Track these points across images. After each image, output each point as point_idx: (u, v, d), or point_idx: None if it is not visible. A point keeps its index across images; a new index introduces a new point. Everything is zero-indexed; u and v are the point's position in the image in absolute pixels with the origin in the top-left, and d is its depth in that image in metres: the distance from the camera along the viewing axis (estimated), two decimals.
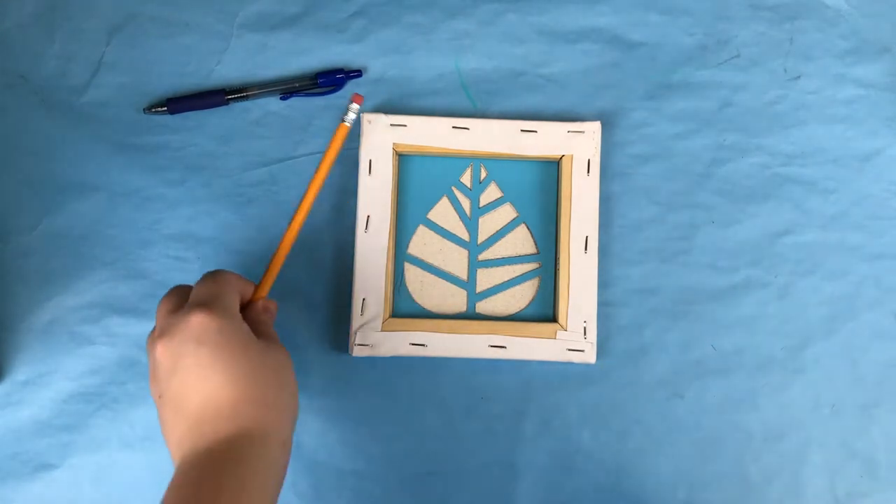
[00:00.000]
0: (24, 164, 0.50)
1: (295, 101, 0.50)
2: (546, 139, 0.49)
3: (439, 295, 0.50)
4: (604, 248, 0.50)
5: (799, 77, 0.52)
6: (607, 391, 0.49)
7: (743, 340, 0.50)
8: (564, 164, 0.49)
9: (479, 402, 0.49)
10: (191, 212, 0.50)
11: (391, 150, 0.49)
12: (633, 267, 0.50)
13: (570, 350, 0.48)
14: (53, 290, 0.49)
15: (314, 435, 0.49)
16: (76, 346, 0.49)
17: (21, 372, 0.49)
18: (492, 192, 0.51)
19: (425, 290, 0.50)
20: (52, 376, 0.49)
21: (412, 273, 0.50)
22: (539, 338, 0.48)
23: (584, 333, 0.48)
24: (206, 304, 0.38)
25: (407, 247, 0.50)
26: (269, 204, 0.50)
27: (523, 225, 0.50)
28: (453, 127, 0.49)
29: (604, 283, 0.50)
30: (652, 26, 0.52)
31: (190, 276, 0.49)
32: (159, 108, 0.50)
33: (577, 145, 0.49)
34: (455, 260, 0.50)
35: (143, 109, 0.50)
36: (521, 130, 0.49)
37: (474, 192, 0.51)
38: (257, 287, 0.44)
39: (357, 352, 0.48)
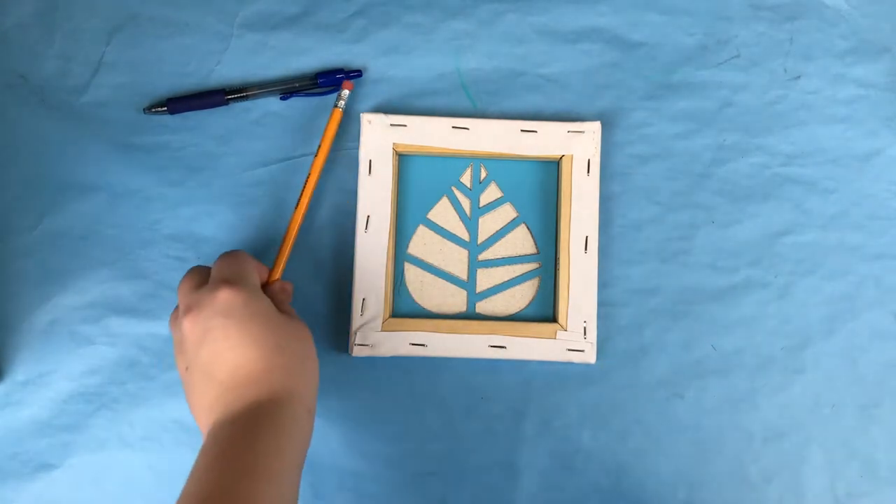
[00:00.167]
0: (24, 164, 0.50)
1: (295, 101, 0.50)
2: (546, 139, 0.49)
3: (439, 295, 0.50)
4: (604, 248, 0.50)
5: (799, 77, 0.52)
6: (607, 391, 0.49)
7: (743, 340, 0.50)
8: (564, 164, 0.49)
9: (479, 402, 0.49)
10: (191, 212, 0.50)
11: (391, 150, 0.49)
12: (633, 267, 0.50)
13: (570, 350, 0.48)
14: (53, 290, 0.49)
15: (314, 435, 0.48)
16: (76, 346, 0.49)
17: (21, 372, 0.49)
18: (492, 192, 0.51)
19: (425, 290, 0.50)
20: (52, 376, 0.49)
21: (412, 273, 0.50)
22: (539, 338, 0.48)
23: (584, 333, 0.48)
24: (231, 281, 0.41)
25: (407, 247, 0.50)
26: (269, 204, 0.50)
27: (523, 225, 0.50)
28: (453, 127, 0.49)
29: (604, 283, 0.50)
30: (652, 26, 0.52)
31: None
32: (159, 109, 0.50)
33: (577, 145, 0.49)
34: (455, 260, 0.50)
35: (144, 109, 0.50)
36: (521, 130, 0.49)
37: (474, 192, 0.51)
38: (271, 271, 0.46)
39: (357, 352, 0.48)
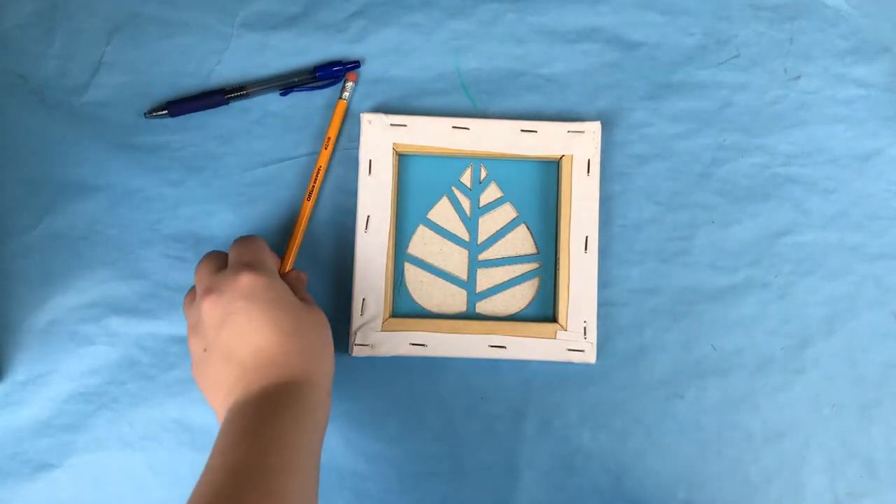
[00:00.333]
0: (24, 164, 0.50)
1: (295, 101, 0.50)
2: (546, 139, 0.49)
3: (439, 295, 0.50)
4: (604, 248, 0.50)
5: (799, 77, 0.52)
6: (607, 391, 0.49)
7: (743, 340, 0.50)
8: (564, 164, 0.49)
9: (479, 402, 0.49)
10: (191, 212, 0.50)
11: (391, 150, 0.49)
12: (633, 267, 0.50)
13: (570, 350, 0.48)
14: (53, 290, 0.49)
15: None
16: (76, 346, 0.49)
17: (21, 372, 0.49)
18: (492, 192, 0.51)
19: (425, 290, 0.50)
20: (52, 376, 0.49)
21: (412, 273, 0.50)
22: (539, 338, 0.48)
23: (584, 333, 0.48)
24: (252, 265, 0.41)
25: (407, 247, 0.50)
26: (269, 204, 0.50)
27: (523, 225, 0.50)
28: (453, 127, 0.49)
29: (604, 283, 0.50)
30: (652, 26, 0.52)
31: (190, 277, 0.49)
32: (160, 112, 0.50)
33: (577, 145, 0.49)
34: (455, 260, 0.50)
35: (144, 114, 0.50)
36: (521, 130, 0.49)
37: (474, 192, 0.51)
38: (282, 261, 0.47)
39: (357, 352, 0.48)
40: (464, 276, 0.50)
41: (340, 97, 0.50)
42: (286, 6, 0.51)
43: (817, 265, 0.50)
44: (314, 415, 0.40)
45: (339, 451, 0.49)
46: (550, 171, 0.51)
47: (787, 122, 0.51)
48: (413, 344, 0.48)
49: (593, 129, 0.49)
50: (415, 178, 0.50)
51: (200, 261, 0.44)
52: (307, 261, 0.49)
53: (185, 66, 0.50)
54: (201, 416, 0.48)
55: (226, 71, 0.50)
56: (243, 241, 0.44)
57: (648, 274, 0.50)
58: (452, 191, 0.51)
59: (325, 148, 0.49)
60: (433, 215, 0.50)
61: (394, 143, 0.49)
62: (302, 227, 0.48)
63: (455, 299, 0.50)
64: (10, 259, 0.49)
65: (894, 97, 0.51)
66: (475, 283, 0.50)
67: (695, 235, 0.50)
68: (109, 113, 0.50)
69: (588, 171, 0.49)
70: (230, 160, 0.50)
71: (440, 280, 0.50)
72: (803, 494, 0.49)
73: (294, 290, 0.44)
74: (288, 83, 0.50)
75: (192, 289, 0.45)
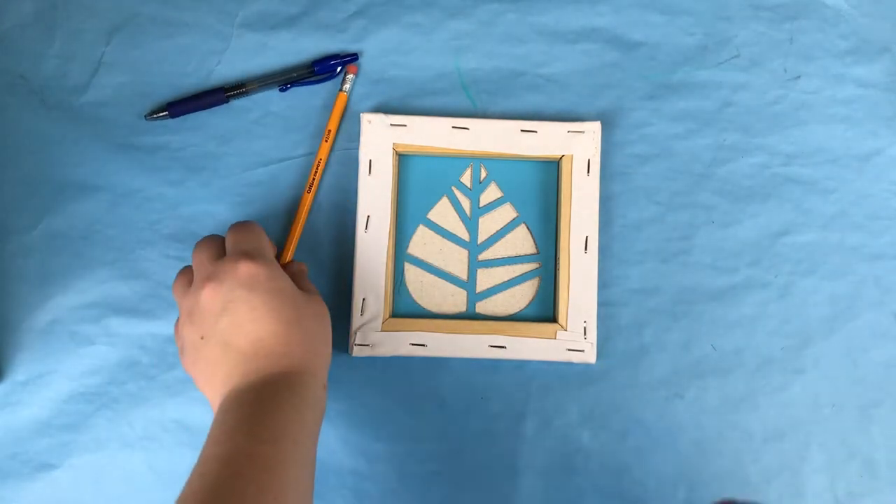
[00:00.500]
0: (24, 164, 0.50)
1: (294, 101, 0.50)
2: (546, 139, 0.49)
3: (439, 295, 0.50)
4: (604, 248, 0.50)
5: (799, 77, 0.52)
6: (607, 391, 0.49)
7: (743, 340, 0.50)
8: (564, 164, 0.49)
9: (479, 402, 0.49)
10: (191, 212, 0.50)
11: (391, 150, 0.49)
12: (633, 267, 0.50)
13: (570, 350, 0.48)
14: (53, 290, 0.49)
15: None
16: (76, 346, 0.49)
17: (21, 372, 0.49)
18: (492, 192, 0.51)
19: (425, 290, 0.50)
20: (52, 376, 0.49)
21: (412, 273, 0.50)
22: (539, 338, 0.48)
23: (584, 333, 0.48)
24: (251, 254, 0.41)
25: (407, 247, 0.50)
26: (269, 204, 0.50)
27: (523, 225, 0.50)
28: (453, 127, 0.49)
29: (604, 283, 0.50)
30: (652, 26, 0.52)
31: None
32: (160, 114, 0.49)
33: (577, 145, 0.49)
34: (455, 260, 0.50)
35: (145, 116, 0.50)
36: (521, 130, 0.49)
37: (474, 192, 0.51)
38: (282, 253, 0.48)
39: (357, 352, 0.48)
40: (464, 276, 0.50)
41: (341, 89, 0.50)
42: (286, 6, 0.51)
43: (817, 265, 0.50)
44: (313, 406, 0.40)
45: (338, 450, 0.49)
46: (550, 171, 0.51)
47: (787, 122, 0.51)
48: (413, 344, 0.48)
49: (593, 129, 0.49)
50: (415, 178, 0.50)
51: (197, 245, 0.44)
52: (307, 261, 0.49)
53: (185, 66, 0.50)
54: (201, 416, 0.48)
55: (226, 71, 0.50)
56: (241, 227, 0.44)
57: (648, 274, 0.50)
58: (452, 191, 0.51)
59: (326, 140, 0.49)
60: (433, 215, 0.50)
61: (394, 143, 0.49)
62: (301, 220, 0.49)
63: (455, 299, 0.50)
64: (10, 259, 0.49)
65: (894, 97, 0.51)
66: (475, 283, 0.50)
67: (695, 235, 0.50)
68: (109, 113, 0.50)
69: (588, 171, 0.49)
70: (230, 160, 0.50)
71: (440, 280, 0.50)
72: (803, 494, 0.49)
73: (295, 280, 0.44)
74: (287, 79, 0.50)
75: (181, 274, 0.44)
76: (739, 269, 0.50)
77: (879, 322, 0.50)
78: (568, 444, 0.49)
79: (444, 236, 0.50)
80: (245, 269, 0.40)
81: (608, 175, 0.50)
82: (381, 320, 0.48)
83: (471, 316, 0.50)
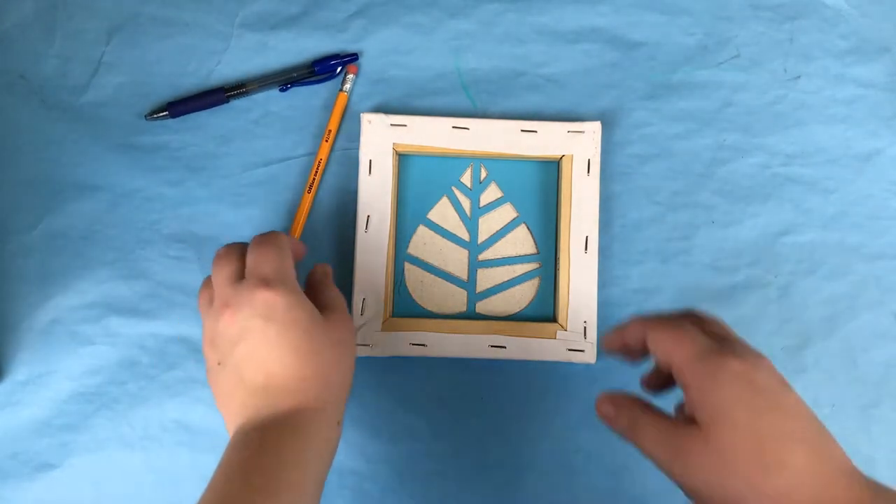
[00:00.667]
0: (24, 164, 0.50)
1: (294, 101, 0.50)
2: (546, 139, 0.49)
3: (439, 295, 0.50)
4: (604, 248, 0.50)
5: (799, 77, 0.52)
6: None
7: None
8: (564, 164, 0.49)
9: (479, 402, 0.49)
10: (191, 212, 0.50)
11: (391, 150, 0.49)
12: (633, 267, 0.50)
13: (570, 350, 0.48)
14: (53, 290, 0.49)
15: None
16: (76, 346, 0.49)
17: (21, 372, 0.49)
18: (492, 192, 0.51)
19: (425, 290, 0.50)
20: (52, 376, 0.49)
21: (412, 273, 0.50)
22: (539, 338, 0.48)
23: (584, 333, 0.48)
24: (271, 282, 0.39)
25: (407, 247, 0.50)
26: (269, 204, 0.50)
27: (523, 225, 0.50)
28: (453, 127, 0.49)
29: (604, 283, 0.50)
30: (652, 26, 0.52)
31: (190, 276, 0.49)
32: (161, 114, 0.49)
33: (577, 145, 0.49)
34: (455, 260, 0.50)
35: (145, 116, 0.50)
36: (521, 130, 0.49)
37: (474, 192, 0.51)
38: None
39: (357, 352, 0.48)
40: (464, 276, 0.50)
41: (341, 89, 0.50)
42: (286, 6, 0.51)
43: (817, 265, 0.50)
44: (319, 447, 0.39)
45: (339, 450, 0.48)
46: (550, 171, 0.51)
47: (787, 122, 0.51)
48: (413, 344, 0.48)
49: (593, 129, 0.49)
50: (415, 177, 0.50)
51: (217, 258, 0.42)
52: (307, 261, 0.49)
53: (185, 66, 0.50)
54: (201, 416, 0.48)
55: (226, 71, 0.50)
56: (262, 244, 0.41)
57: (648, 274, 0.50)
58: (452, 191, 0.51)
59: (326, 140, 0.49)
60: (433, 215, 0.50)
61: (394, 143, 0.49)
62: (302, 220, 0.49)
63: (455, 299, 0.50)
64: (10, 259, 0.49)
65: (894, 97, 0.51)
66: (475, 283, 0.50)
67: (695, 235, 0.50)
68: (109, 113, 0.50)
69: (588, 171, 0.49)
70: (230, 160, 0.50)
71: (440, 280, 0.50)
72: None
73: (320, 286, 0.43)
74: (287, 79, 0.50)
75: (205, 287, 0.43)
76: (739, 269, 0.50)
77: (879, 322, 0.50)
78: (568, 444, 0.49)
79: (444, 236, 0.50)
80: (262, 297, 0.39)
81: (608, 175, 0.50)
82: (381, 320, 0.48)
83: (471, 316, 0.50)
